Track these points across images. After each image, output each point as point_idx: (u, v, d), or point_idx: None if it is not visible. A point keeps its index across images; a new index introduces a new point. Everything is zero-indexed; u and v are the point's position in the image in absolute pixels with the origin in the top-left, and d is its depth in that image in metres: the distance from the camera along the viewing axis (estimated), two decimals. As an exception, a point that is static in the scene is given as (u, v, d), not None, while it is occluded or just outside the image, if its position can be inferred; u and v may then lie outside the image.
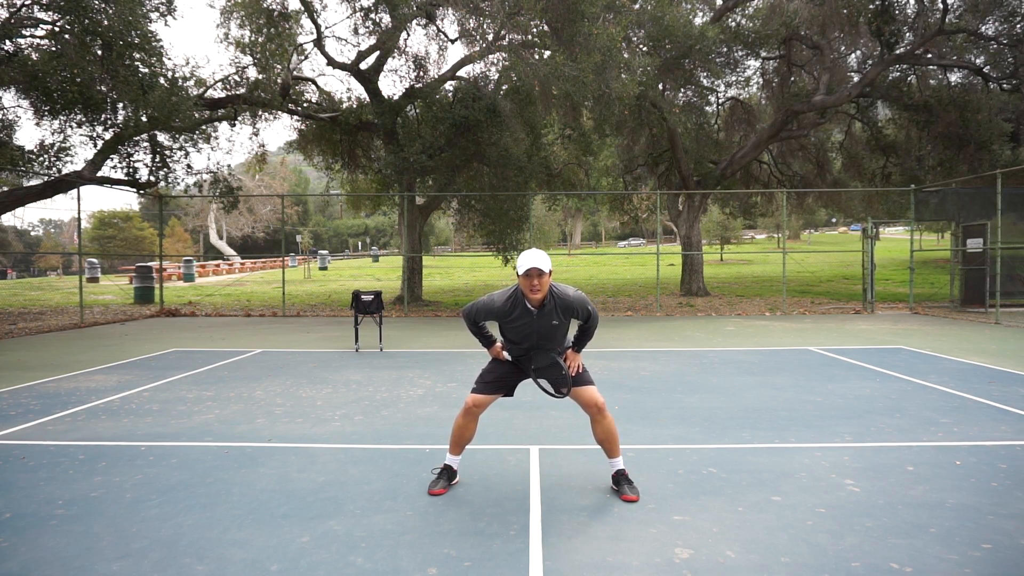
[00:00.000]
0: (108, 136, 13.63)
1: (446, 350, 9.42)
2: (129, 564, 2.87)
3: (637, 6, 15.32)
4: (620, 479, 3.68)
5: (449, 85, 16.97)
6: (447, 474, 3.78)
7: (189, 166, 15.46)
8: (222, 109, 15.93)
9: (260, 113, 16.37)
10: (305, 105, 17.78)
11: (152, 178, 14.95)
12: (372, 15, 15.74)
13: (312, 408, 5.83)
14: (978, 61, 17.83)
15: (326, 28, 16.63)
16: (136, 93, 11.91)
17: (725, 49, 17.08)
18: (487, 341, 3.83)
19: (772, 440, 4.68)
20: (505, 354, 3.78)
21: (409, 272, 17.01)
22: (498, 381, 3.74)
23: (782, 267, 16.48)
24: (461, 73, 16.67)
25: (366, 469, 4.14)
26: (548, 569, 2.80)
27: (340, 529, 3.23)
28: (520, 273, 3.50)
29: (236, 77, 15.72)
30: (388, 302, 16.04)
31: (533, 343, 3.62)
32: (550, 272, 3.51)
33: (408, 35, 16.38)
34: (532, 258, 3.46)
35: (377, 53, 16.41)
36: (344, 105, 17.79)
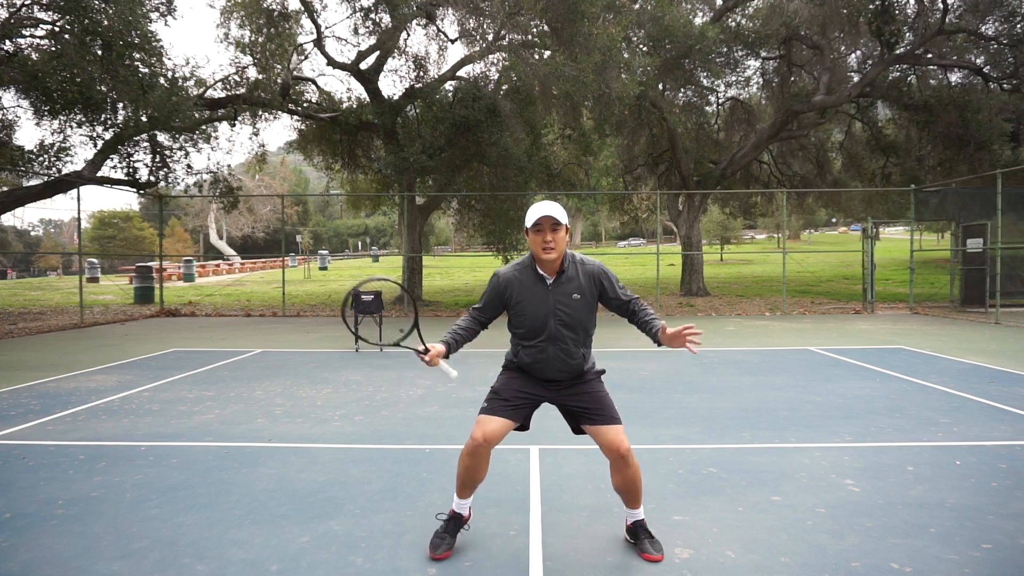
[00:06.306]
0: (108, 136, 13.63)
1: (446, 350, 9.40)
2: (129, 564, 2.87)
3: (637, 6, 15.32)
4: (639, 531, 2.99)
5: (449, 85, 16.97)
6: (454, 525, 2.97)
7: (189, 166, 15.50)
8: (222, 109, 15.93)
9: (260, 113, 16.37)
10: (305, 105, 17.77)
11: (152, 178, 14.96)
12: (372, 15, 15.75)
13: (312, 408, 5.82)
14: (978, 61, 17.83)
15: (326, 28, 16.66)
16: (136, 93, 11.90)
17: (725, 49, 17.08)
18: (446, 337, 2.94)
19: (772, 440, 4.68)
20: (442, 363, 2.89)
21: (409, 272, 17.01)
22: (517, 402, 2.88)
23: (782, 267, 16.48)
24: (461, 73, 16.68)
25: (366, 469, 4.14)
26: (548, 569, 2.80)
27: (340, 529, 3.23)
28: (529, 227, 2.77)
29: (236, 77, 15.73)
30: (388, 302, 16.05)
31: (551, 331, 2.82)
32: (568, 229, 2.78)
33: (408, 35, 16.41)
34: (544, 207, 2.73)
35: (377, 53, 16.41)
36: (344, 105, 17.79)
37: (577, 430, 2.97)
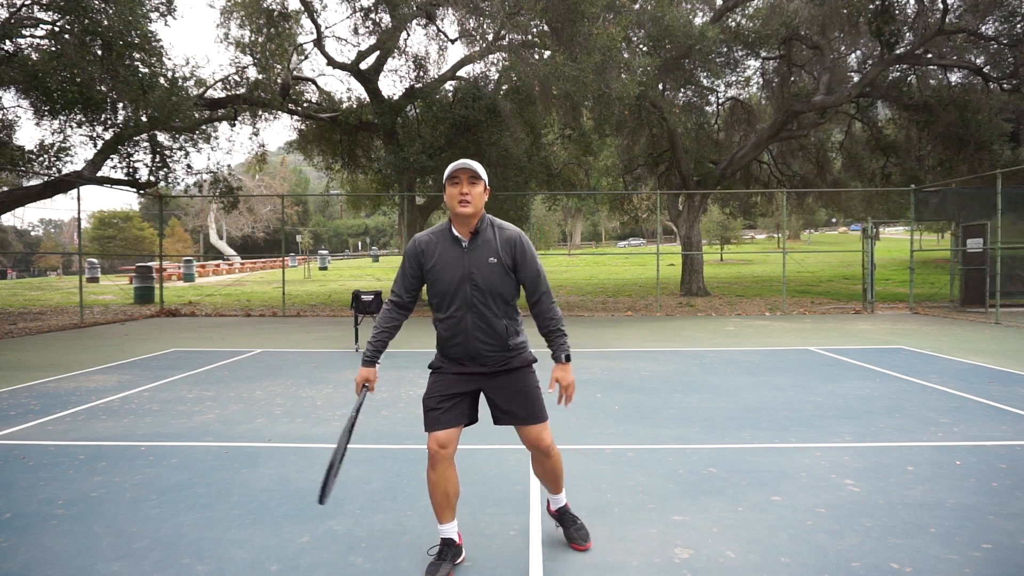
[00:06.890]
0: (108, 136, 13.63)
1: (446, 350, 9.41)
2: (129, 564, 2.87)
3: (637, 6, 15.32)
4: (564, 518, 3.04)
5: (449, 85, 16.98)
6: (450, 552, 2.77)
7: (189, 166, 15.50)
8: (222, 109, 15.94)
9: (260, 113, 16.38)
10: (305, 105, 17.79)
11: (152, 178, 14.96)
12: (372, 15, 15.76)
13: (312, 408, 5.83)
14: (978, 61, 17.83)
15: (326, 28, 16.67)
16: (136, 93, 11.91)
17: (725, 49, 17.08)
18: (367, 352, 2.83)
19: (772, 440, 4.68)
20: (365, 390, 2.80)
21: (409, 272, 16.99)
22: (448, 405, 2.73)
23: (782, 267, 16.48)
24: (461, 73, 16.69)
25: (366, 469, 4.14)
26: (548, 569, 2.80)
27: (340, 529, 3.23)
28: (445, 179, 2.67)
29: (236, 77, 15.74)
30: (388, 302, 16.02)
31: (466, 296, 2.67)
32: (486, 187, 2.70)
33: (408, 35, 16.42)
34: (462, 161, 2.67)
35: (377, 53, 16.42)
36: (344, 105, 17.81)
37: (498, 421, 2.83)
